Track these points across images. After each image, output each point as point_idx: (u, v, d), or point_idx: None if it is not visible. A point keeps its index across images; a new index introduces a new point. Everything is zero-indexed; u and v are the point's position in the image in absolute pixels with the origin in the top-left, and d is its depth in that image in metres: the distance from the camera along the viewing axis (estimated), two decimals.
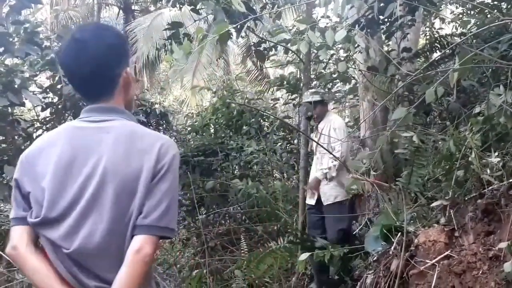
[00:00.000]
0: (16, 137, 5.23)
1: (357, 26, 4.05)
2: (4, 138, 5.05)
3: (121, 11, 14.27)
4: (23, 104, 4.83)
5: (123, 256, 1.44)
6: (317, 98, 4.39)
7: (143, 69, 11.71)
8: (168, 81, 13.56)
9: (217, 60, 7.30)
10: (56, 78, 5.36)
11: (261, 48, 4.38)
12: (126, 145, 1.47)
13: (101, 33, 1.55)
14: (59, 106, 5.48)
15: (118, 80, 1.56)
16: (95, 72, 1.49)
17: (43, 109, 5.48)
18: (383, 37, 4.82)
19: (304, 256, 3.32)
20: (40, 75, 5.71)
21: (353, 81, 5.28)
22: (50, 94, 5.53)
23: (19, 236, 1.48)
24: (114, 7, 14.85)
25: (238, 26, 3.71)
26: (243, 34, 4.59)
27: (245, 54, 3.98)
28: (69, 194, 1.44)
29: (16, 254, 1.48)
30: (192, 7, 4.21)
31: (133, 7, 14.36)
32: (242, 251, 4.76)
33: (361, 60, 4.71)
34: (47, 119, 5.58)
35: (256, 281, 4.34)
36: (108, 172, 1.43)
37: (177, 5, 4.35)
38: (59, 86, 5.31)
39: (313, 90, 4.52)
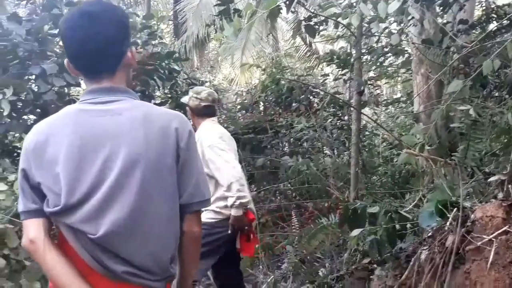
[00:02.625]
0: None
1: None
2: None
3: None
4: (78, 84, 4.99)
5: (151, 238, 1.45)
6: (184, 99, 3.69)
7: (193, 48, 11.79)
8: (217, 59, 13.64)
9: (267, 36, 7.25)
10: None
11: (312, 23, 4.31)
12: (145, 128, 1.46)
13: (110, 9, 1.53)
14: None
15: (122, 58, 1.54)
16: (103, 47, 1.47)
17: None
18: (438, 9, 4.65)
19: (356, 232, 3.30)
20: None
21: (406, 55, 5.13)
22: None
23: (36, 229, 1.46)
24: None
25: (287, 2, 3.66)
26: (292, 9, 4.53)
27: (294, 30, 3.93)
28: (88, 178, 1.42)
29: (35, 248, 1.45)
30: None
31: None
32: (293, 227, 4.80)
33: (415, 33, 4.56)
34: None
35: (308, 257, 4.37)
36: (132, 156, 1.42)
37: None
38: None
39: (194, 89, 3.79)
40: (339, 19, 4.31)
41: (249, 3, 3.28)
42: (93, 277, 1.44)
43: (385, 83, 7.05)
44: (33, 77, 4.37)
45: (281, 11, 4.10)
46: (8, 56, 4.40)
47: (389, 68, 6.60)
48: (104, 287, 1.44)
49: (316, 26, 4.34)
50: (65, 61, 1.55)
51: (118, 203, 1.41)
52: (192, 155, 1.55)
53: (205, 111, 3.62)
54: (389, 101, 6.79)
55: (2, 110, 4.09)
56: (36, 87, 4.36)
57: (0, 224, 3.60)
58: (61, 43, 4.87)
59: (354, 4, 2.97)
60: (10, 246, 3.72)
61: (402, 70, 6.32)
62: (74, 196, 1.41)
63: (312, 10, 4.65)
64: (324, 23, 4.36)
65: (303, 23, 4.20)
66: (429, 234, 2.87)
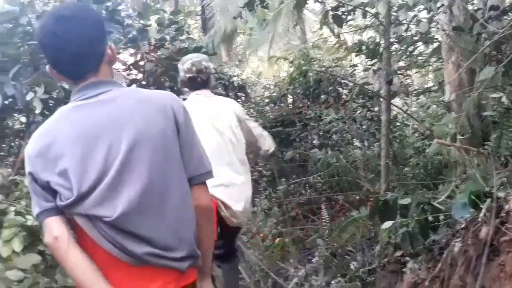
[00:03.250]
0: None
1: None
2: None
3: None
4: None
5: (167, 211, 1.48)
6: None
7: (221, 42, 11.80)
8: (245, 53, 13.62)
9: (294, 27, 7.20)
10: (139, 55, 5.55)
11: (339, 13, 4.25)
12: (142, 109, 1.50)
13: (84, 10, 1.53)
14: (143, 82, 5.70)
15: (103, 57, 1.55)
16: (82, 50, 1.48)
17: (128, 86, 5.71)
18: None
19: (387, 224, 3.25)
20: (123, 53, 5.93)
21: (436, 43, 5.01)
22: (134, 71, 5.74)
23: (59, 226, 1.48)
24: None
25: None
26: None
27: (321, 20, 3.88)
28: (96, 166, 1.44)
29: (59, 245, 1.47)
30: None
31: None
32: (323, 220, 4.76)
33: (445, 20, 4.44)
34: None
35: (339, 250, 4.33)
36: (134, 136, 1.46)
37: None
38: (142, 63, 5.50)
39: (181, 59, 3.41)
40: (367, 8, 4.24)
41: None
42: (115, 268, 1.46)
43: (415, 72, 6.89)
44: None
45: (307, 1, 4.07)
46: (39, 54, 4.49)
47: (419, 57, 6.46)
48: (127, 276, 1.46)
49: (344, 16, 4.27)
50: (47, 67, 1.57)
51: (129, 183, 1.44)
52: (190, 129, 1.61)
53: (189, 84, 3.28)
54: (419, 90, 6.64)
55: (34, 108, 4.17)
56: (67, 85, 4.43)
57: (36, 221, 3.69)
58: None
59: None
60: (45, 242, 3.82)
61: (433, 59, 6.18)
62: (85, 184, 1.44)
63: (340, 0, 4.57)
64: (351, 13, 4.28)
65: (330, 13, 4.13)
66: (462, 225, 2.80)
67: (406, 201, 3.61)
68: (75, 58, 1.48)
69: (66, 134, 1.47)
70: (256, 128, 3.40)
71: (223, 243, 3.29)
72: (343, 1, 4.29)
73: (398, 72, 5.84)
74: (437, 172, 5.05)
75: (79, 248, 1.47)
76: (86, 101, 1.50)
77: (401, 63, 6.28)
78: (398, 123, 6.18)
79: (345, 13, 4.18)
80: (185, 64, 3.26)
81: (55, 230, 1.48)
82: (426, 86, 7.83)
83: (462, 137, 2.86)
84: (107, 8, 4.89)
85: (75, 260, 1.46)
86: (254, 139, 3.35)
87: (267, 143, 3.44)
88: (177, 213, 1.51)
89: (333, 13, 4.16)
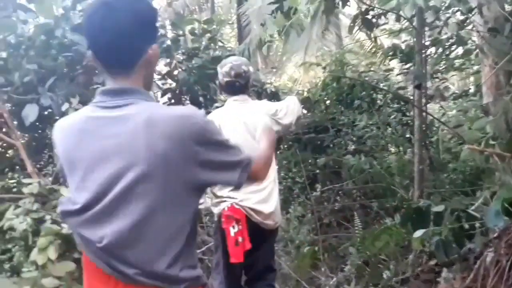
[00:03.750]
0: None
1: None
2: None
3: None
4: None
5: (154, 247, 1.40)
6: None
7: (256, 50, 11.83)
8: (282, 60, 13.63)
9: (323, 32, 7.14)
10: (173, 65, 5.64)
11: (369, 17, 4.18)
12: (147, 136, 1.35)
13: (132, 2, 1.43)
14: (177, 91, 5.78)
15: (140, 54, 1.44)
16: (117, 41, 1.39)
17: (162, 95, 5.80)
18: None
19: (419, 233, 3.15)
20: (158, 62, 6.04)
21: (471, 45, 4.85)
22: (169, 80, 5.83)
23: None
24: None
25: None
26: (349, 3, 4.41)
27: (352, 24, 3.80)
28: (93, 188, 1.39)
29: None
30: None
31: None
32: (356, 228, 4.68)
33: (480, 22, 4.30)
34: (167, 104, 5.87)
35: (372, 259, 4.24)
36: (136, 169, 1.35)
37: None
38: (175, 72, 5.58)
39: (221, 62, 3.32)
40: (400, 12, 4.15)
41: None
42: (110, 284, 1.44)
43: (452, 75, 6.71)
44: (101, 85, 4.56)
45: (337, 6, 4.02)
46: (76, 66, 4.62)
47: (456, 60, 6.28)
48: None
49: (375, 20, 4.19)
50: (89, 52, 1.56)
51: (119, 216, 1.37)
52: (215, 147, 1.45)
53: (226, 88, 3.19)
54: (456, 94, 6.46)
55: None
56: None
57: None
58: None
59: None
60: (80, 250, 3.90)
61: (471, 61, 5.99)
62: (78, 204, 1.41)
63: (370, 3, 4.50)
64: (383, 17, 4.21)
65: (360, 17, 4.07)
66: (495, 235, 2.69)
67: (439, 208, 3.50)
68: (106, 48, 1.41)
69: (75, 145, 1.45)
70: (284, 116, 3.27)
71: (261, 256, 3.24)
72: (372, 5, 4.22)
73: (434, 75, 5.69)
74: (476, 177, 4.89)
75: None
76: (104, 112, 1.43)
77: (438, 66, 6.11)
78: (435, 128, 6.03)
79: (376, 17, 4.10)
80: (224, 68, 3.19)
81: None
82: (464, 89, 7.60)
83: (495, 142, 2.74)
84: None
85: None
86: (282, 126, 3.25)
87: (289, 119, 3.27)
88: (165, 247, 1.42)
89: (362, 17, 4.10)
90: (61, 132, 1.50)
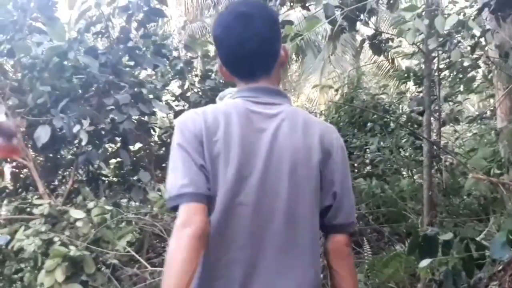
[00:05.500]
0: (152, 144, 5.66)
1: (486, 9, 3.67)
2: (141, 145, 5.49)
3: None
4: (153, 113, 5.19)
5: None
6: None
7: None
8: (299, 81, 13.67)
9: (328, 57, 7.14)
10: (186, 87, 5.69)
11: (376, 41, 4.17)
12: (303, 136, 1.42)
13: (262, 7, 1.50)
14: None
15: (277, 58, 1.50)
16: (259, 49, 1.43)
17: (175, 116, 5.84)
18: None
19: (425, 262, 3.07)
20: (172, 85, 6.10)
21: (483, 69, 4.80)
22: (182, 102, 5.88)
23: None
24: None
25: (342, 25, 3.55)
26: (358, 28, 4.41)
27: (358, 49, 3.79)
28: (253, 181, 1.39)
29: None
30: (301, 3, 4.14)
31: None
32: (366, 254, 4.59)
33: (491, 46, 4.25)
34: None
35: (380, 287, 4.14)
36: (292, 167, 1.39)
37: (288, 4, 4.30)
38: (188, 94, 5.63)
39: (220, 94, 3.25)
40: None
41: (289, 27, 3.20)
42: None
43: (465, 99, 6.62)
44: (113, 107, 4.62)
45: (344, 31, 4.02)
46: (89, 88, 4.69)
47: (473, 84, 6.19)
48: None
49: (382, 44, 4.18)
50: (217, 65, 1.56)
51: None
52: (345, 169, 1.50)
53: None
54: (471, 118, 6.36)
55: (81, 140, 4.33)
56: (116, 117, 4.59)
57: (78, 251, 3.80)
58: (135, 73, 5.15)
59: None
60: (87, 273, 3.91)
61: (485, 85, 5.91)
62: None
63: (377, 27, 4.49)
64: (390, 41, 4.19)
65: (367, 41, 4.06)
66: (500, 267, 2.61)
67: (447, 236, 3.42)
68: (250, 56, 1.43)
69: (231, 132, 1.40)
70: None
71: None
72: (379, 29, 4.21)
73: (448, 99, 5.62)
74: (491, 203, 4.78)
75: None
76: (258, 107, 1.44)
77: (452, 90, 6.04)
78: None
79: (383, 42, 4.08)
80: (224, 99, 3.09)
81: None
82: (478, 113, 7.48)
83: (501, 171, 2.68)
84: (154, 42, 5.05)
85: None
86: None
87: None
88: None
89: (369, 41, 4.08)
90: (216, 117, 1.43)
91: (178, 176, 1.38)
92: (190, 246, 1.30)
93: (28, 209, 4.56)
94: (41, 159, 5.21)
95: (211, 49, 5.98)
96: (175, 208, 1.37)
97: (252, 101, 1.45)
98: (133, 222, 4.34)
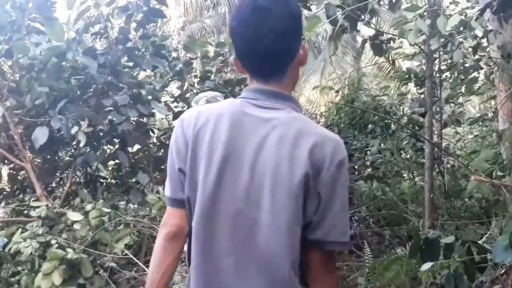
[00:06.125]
0: (151, 146, 5.62)
1: (488, 10, 3.63)
2: (140, 147, 5.45)
3: None
4: (152, 115, 5.16)
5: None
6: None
7: None
8: (299, 82, 13.63)
9: (329, 57, 7.10)
10: (185, 88, 5.66)
11: (378, 41, 4.13)
12: (291, 147, 1.32)
13: (285, 1, 1.38)
14: None
15: (294, 56, 1.40)
16: (275, 46, 1.34)
17: (174, 118, 5.80)
18: None
19: (426, 266, 3.03)
20: (171, 86, 6.07)
21: (485, 70, 4.75)
22: (181, 103, 5.84)
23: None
24: None
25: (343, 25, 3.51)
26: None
27: (360, 49, 3.76)
28: (238, 186, 1.34)
29: None
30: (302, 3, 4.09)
31: None
32: (366, 257, 4.55)
33: (494, 47, 4.21)
34: None
35: None
36: (268, 178, 1.32)
37: None
38: (187, 95, 5.59)
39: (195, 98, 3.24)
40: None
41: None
42: None
43: (467, 100, 6.57)
44: (112, 108, 4.59)
45: (345, 31, 3.98)
46: (88, 88, 4.66)
47: (475, 86, 6.15)
48: None
49: (384, 44, 4.13)
50: (232, 58, 1.52)
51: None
52: (339, 188, 1.36)
53: None
54: (472, 119, 6.32)
55: (79, 141, 4.29)
56: (114, 118, 4.55)
57: (75, 254, 3.76)
58: (134, 74, 5.11)
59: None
60: (85, 276, 3.88)
61: (487, 86, 5.87)
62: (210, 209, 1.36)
63: (378, 28, 4.45)
64: (391, 41, 4.15)
65: (369, 42, 4.02)
66: (502, 271, 2.57)
67: (449, 239, 3.38)
68: (265, 53, 1.35)
69: (217, 135, 1.37)
70: None
71: None
72: (381, 29, 4.17)
73: (450, 100, 5.58)
74: (493, 205, 4.74)
75: None
76: (255, 110, 1.38)
77: (454, 91, 6.00)
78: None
79: (385, 42, 4.04)
80: (200, 102, 3.14)
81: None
82: (480, 114, 7.45)
83: (503, 173, 2.64)
84: (153, 43, 5.02)
85: None
86: None
87: None
88: None
89: (371, 42, 4.04)
90: (207, 119, 1.40)
91: (167, 179, 1.46)
92: (161, 247, 1.43)
93: (26, 211, 4.53)
94: (38, 160, 5.17)
95: (211, 50, 5.95)
96: None
97: (250, 103, 1.39)
98: (131, 225, 4.31)
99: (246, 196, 1.33)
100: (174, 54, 5.72)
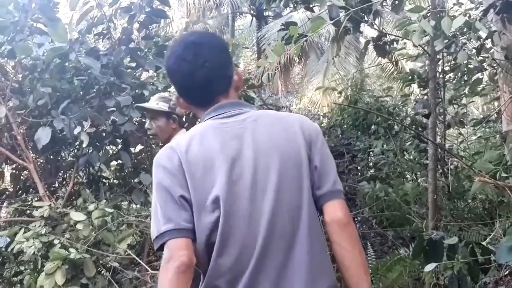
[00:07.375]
0: (153, 146, 5.61)
1: (492, 10, 3.62)
2: (143, 147, 5.45)
3: (254, 19, 14.65)
4: None
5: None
6: (163, 107, 2.87)
7: (277, 73, 11.82)
8: (302, 83, 13.63)
9: (332, 58, 7.10)
10: None
11: (381, 43, 4.12)
12: (282, 129, 1.48)
13: (211, 36, 1.58)
14: (190, 115, 5.77)
15: (231, 83, 1.55)
16: (212, 73, 1.47)
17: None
18: None
19: (430, 266, 3.03)
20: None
21: (489, 71, 4.74)
22: None
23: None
24: (247, 15, 15.33)
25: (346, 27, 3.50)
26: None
27: (363, 51, 3.77)
28: (244, 187, 1.43)
29: None
30: (305, 5, 4.08)
31: (265, 14, 14.65)
32: (369, 258, 4.53)
33: (497, 48, 4.19)
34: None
35: None
36: (281, 161, 1.44)
37: (291, 5, 4.25)
38: None
39: (163, 94, 3.10)
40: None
41: (294, 27, 3.14)
42: None
43: (470, 101, 6.55)
44: (114, 109, 4.58)
45: (349, 32, 3.97)
46: (91, 89, 4.65)
47: (479, 88, 6.13)
48: None
49: (387, 46, 4.12)
50: (174, 97, 1.64)
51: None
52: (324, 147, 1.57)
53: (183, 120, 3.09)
54: (476, 120, 6.30)
55: (81, 142, 4.29)
56: (117, 118, 4.55)
57: (78, 254, 3.76)
58: (137, 75, 5.10)
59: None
60: (88, 275, 3.87)
61: (490, 87, 5.84)
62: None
63: (382, 29, 4.43)
64: (395, 42, 4.13)
65: (372, 43, 4.00)
66: (506, 272, 2.56)
67: (452, 240, 3.37)
68: (204, 83, 1.48)
69: (208, 150, 1.44)
70: None
71: None
72: (384, 30, 4.15)
73: (454, 101, 5.56)
74: (496, 206, 4.72)
75: None
76: (228, 119, 1.49)
77: (457, 92, 5.98)
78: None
79: (388, 43, 4.03)
80: (173, 98, 3.02)
81: None
82: (484, 116, 7.42)
83: (508, 174, 2.63)
84: (156, 43, 5.01)
85: None
86: None
87: None
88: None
89: (374, 43, 4.03)
90: (188, 142, 1.47)
91: (159, 216, 1.42)
92: (175, 280, 1.36)
93: (28, 211, 4.54)
94: (41, 161, 5.17)
95: None
96: (161, 248, 1.41)
97: (220, 117, 1.49)
98: (134, 225, 4.30)
99: (254, 187, 1.43)
100: None
